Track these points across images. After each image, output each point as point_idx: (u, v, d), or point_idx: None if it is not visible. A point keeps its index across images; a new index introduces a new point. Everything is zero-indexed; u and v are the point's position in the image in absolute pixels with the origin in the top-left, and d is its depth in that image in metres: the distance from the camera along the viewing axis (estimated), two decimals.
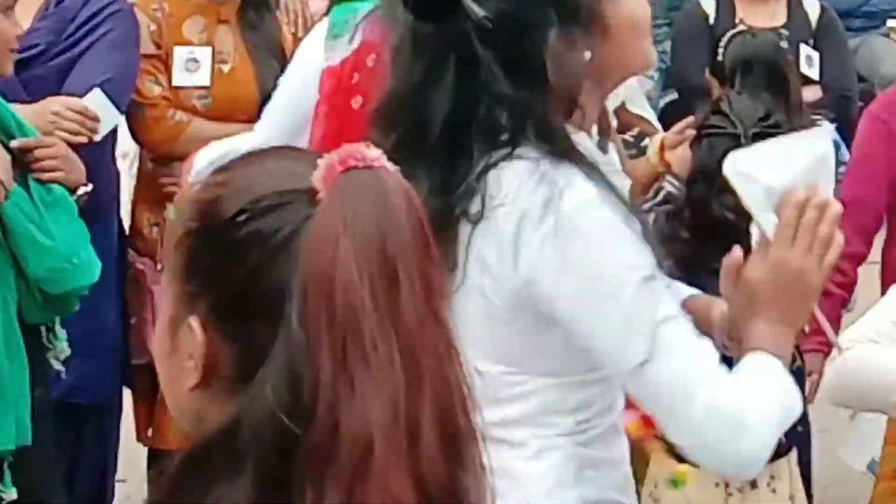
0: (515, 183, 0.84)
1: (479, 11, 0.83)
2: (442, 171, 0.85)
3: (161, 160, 2.17)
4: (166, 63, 2.12)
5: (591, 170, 0.86)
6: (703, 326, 0.94)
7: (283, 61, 1.98)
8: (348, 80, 1.35)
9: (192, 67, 2.11)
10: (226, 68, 2.14)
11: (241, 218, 0.38)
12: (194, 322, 0.39)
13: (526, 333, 0.89)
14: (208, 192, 0.42)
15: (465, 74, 0.86)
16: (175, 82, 2.13)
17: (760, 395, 0.84)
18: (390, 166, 0.38)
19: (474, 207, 0.84)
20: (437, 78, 0.86)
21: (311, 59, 1.44)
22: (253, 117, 1.77)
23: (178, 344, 0.41)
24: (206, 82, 2.13)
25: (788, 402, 0.88)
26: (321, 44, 1.40)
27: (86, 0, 2.00)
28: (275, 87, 1.60)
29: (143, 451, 2.35)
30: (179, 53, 2.11)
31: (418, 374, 0.35)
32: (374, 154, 0.38)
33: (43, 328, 1.77)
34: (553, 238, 0.83)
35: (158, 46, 2.12)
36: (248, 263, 0.38)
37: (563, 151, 0.86)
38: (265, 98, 1.75)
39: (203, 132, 2.01)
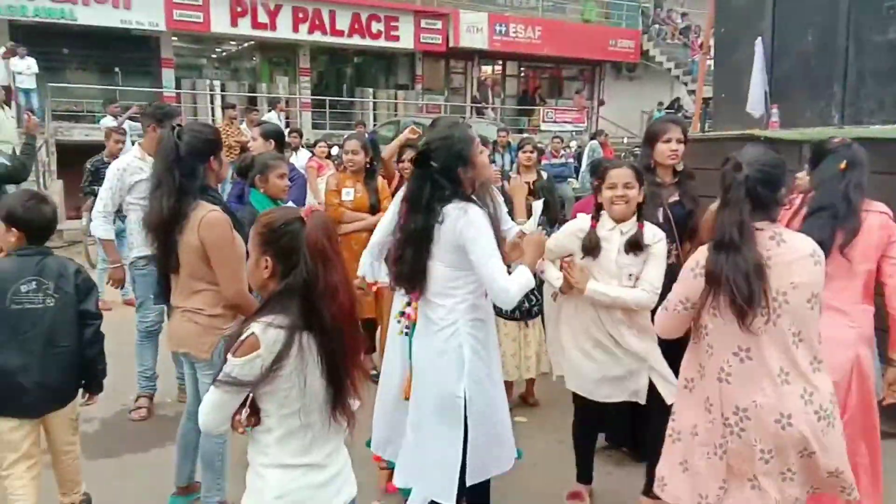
0: (454, 211, 2.36)
1: (435, 165, 2.40)
2: (426, 213, 2.40)
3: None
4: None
5: (478, 203, 2.41)
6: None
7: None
8: None
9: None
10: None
11: (282, 225, 1.70)
12: (266, 257, 1.70)
13: (460, 256, 2.37)
14: (268, 217, 1.76)
15: (433, 182, 2.40)
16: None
17: (515, 279, 2.33)
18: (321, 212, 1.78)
19: (441, 219, 2.37)
20: (422, 185, 2.42)
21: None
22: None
23: (259, 263, 1.71)
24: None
25: (525, 283, 2.36)
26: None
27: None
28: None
29: None
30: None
31: (345, 271, 1.72)
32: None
33: None
34: (466, 224, 2.33)
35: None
36: (286, 238, 1.68)
37: (468, 199, 2.40)
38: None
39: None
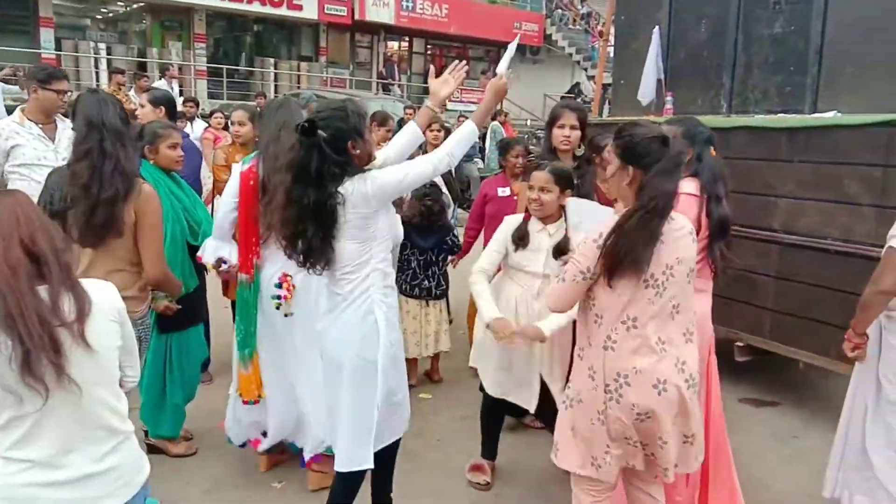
0: (354, 184, 2.26)
1: (324, 133, 2.22)
2: (317, 187, 2.24)
3: None
4: None
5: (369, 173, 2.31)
6: None
7: None
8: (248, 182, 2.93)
9: None
10: None
11: None
12: None
13: (370, 225, 2.32)
14: None
15: (320, 155, 2.23)
16: None
17: (455, 136, 2.49)
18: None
19: (342, 200, 2.25)
20: (310, 157, 2.23)
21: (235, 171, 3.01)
22: None
23: None
24: None
25: (468, 133, 2.49)
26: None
27: None
28: None
29: None
30: None
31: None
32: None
33: None
34: (373, 183, 2.26)
35: None
36: None
37: (361, 173, 2.29)
38: None
39: None
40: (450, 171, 4.43)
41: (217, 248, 3.01)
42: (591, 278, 2.13)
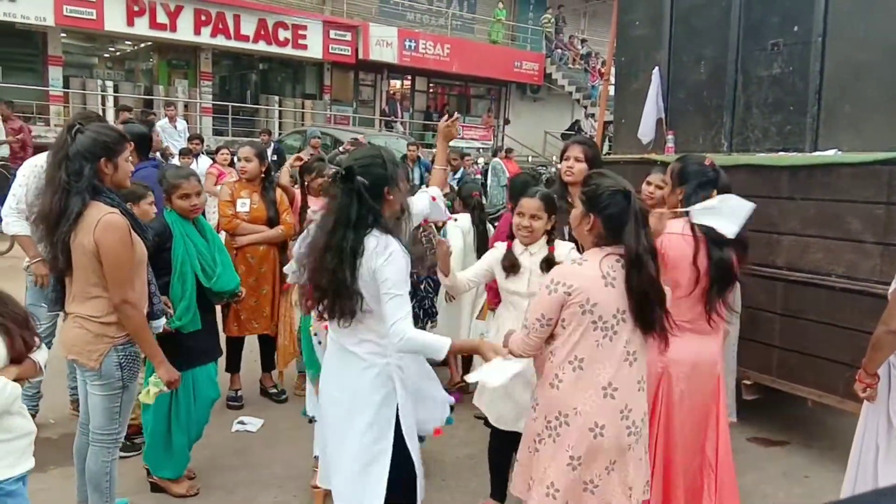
0: (373, 243, 2.26)
1: (363, 179, 2.27)
2: (355, 231, 2.27)
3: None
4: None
5: (397, 236, 2.31)
6: None
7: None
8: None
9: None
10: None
11: None
12: None
13: (375, 287, 2.26)
14: None
15: (358, 201, 2.27)
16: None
17: (423, 336, 2.31)
18: None
19: (360, 251, 2.26)
20: (349, 202, 2.28)
21: None
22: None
23: None
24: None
25: (431, 346, 2.29)
26: None
27: None
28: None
29: None
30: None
31: None
32: None
33: None
34: (385, 262, 2.24)
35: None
36: None
37: (388, 230, 2.30)
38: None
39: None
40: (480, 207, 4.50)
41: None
42: (548, 325, 2.22)
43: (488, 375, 2.31)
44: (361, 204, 2.25)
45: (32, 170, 3.68)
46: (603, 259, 2.17)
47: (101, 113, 14.34)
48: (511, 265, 2.96)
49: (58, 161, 2.47)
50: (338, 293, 2.27)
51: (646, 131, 5.17)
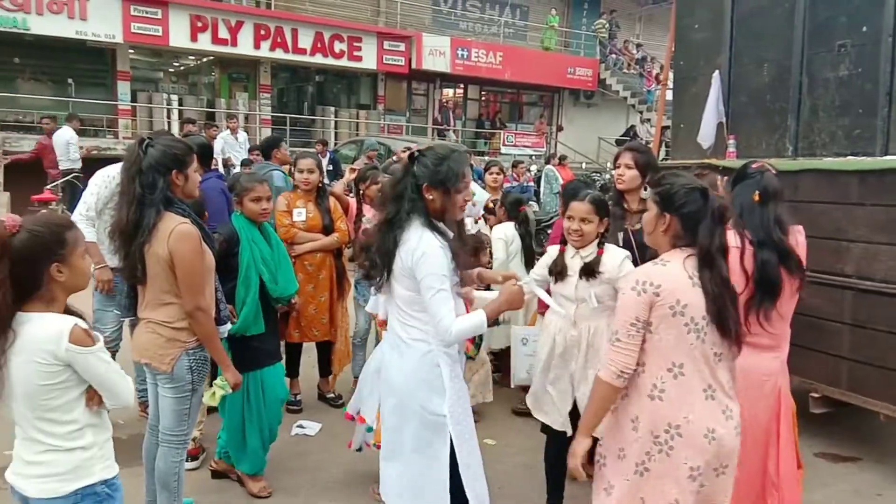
0: (412, 238, 2.32)
1: (417, 167, 2.39)
2: (397, 209, 2.38)
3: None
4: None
5: (435, 230, 2.34)
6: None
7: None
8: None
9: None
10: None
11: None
12: None
13: (413, 282, 2.32)
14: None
15: (405, 182, 2.39)
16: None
17: (460, 324, 2.29)
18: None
19: (398, 242, 2.35)
20: (403, 178, 2.42)
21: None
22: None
23: None
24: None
25: (472, 328, 2.33)
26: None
27: None
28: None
29: None
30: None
31: None
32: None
33: None
34: (420, 255, 2.28)
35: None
36: None
37: (431, 225, 2.34)
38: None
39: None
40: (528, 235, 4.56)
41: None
42: (643, 328, 2.09)
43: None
44: (405, 186, 2.36)
45: (104, 179, 3.84)
46: (686, 259, 2.09)
47: (166, 126, 14.97)
48: (559, 271, 2.94)
49: (131, 175, 2.58)
50: (380, 257, 2.38)
51: (706, 136, 5.06)
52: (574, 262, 2.94)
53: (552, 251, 3.07)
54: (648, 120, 19.04)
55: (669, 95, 6.39)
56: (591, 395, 2.25)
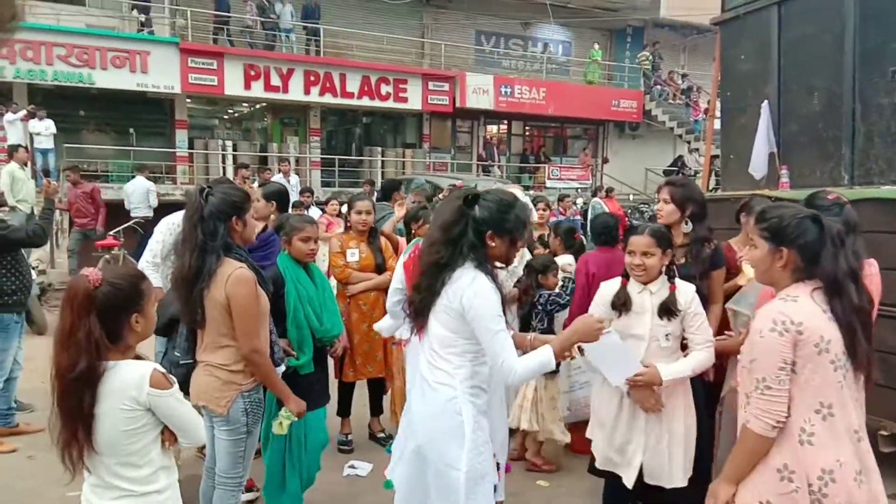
0: (462, 277, 2.27)
1: (479, 212, 2.31)
2: (452, 255, 2.31)
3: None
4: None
5: (488, 273, 2.29)
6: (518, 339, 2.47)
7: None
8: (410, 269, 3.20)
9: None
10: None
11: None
12: None
13: (459, 322, 2.27)
14: None
15: (464, 226, 2.30)
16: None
17: (526, 363, 2.23)
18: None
19: (447, 280, 2.29)
20: (458, 221, 2.31)
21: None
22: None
23: None
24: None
25: (540, 366, 2.25)
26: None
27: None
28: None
29: None
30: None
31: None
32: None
33: None
34: (472, 294, 2.22)
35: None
36: None
37: (484, 267, 2.29)
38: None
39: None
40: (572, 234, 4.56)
41: (391, 328, 3.55)
42: (791, 370, 1.94)
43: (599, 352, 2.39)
44: (464, 231, 2.28)
45: (169, 227, 4.02)
46: (813, 292, 1.98)
47: (221, 171, 15.53)
48: (623, 303, 2.85)
49: (193, 223, 2.68)
50: (424, 297, 2.33)
51: (757, 166, 4.98)
52: (642, 298, 2.85)
53: (609, 287, 2.98)
54: (696, 150, 18.78)
55: (717, 124, 6.33)
56: (737, 448, 2.07)
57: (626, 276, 2.92)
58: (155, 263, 4.02)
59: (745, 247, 3.19)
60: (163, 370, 1.99)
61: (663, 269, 2.86)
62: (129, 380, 1.92)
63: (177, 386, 2.00)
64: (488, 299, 2.21)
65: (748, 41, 5.22)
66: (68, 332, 1.90)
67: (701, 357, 2.78)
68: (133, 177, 11.96)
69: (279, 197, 4.45)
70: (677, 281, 2.87)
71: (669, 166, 19.52)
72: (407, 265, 3.39)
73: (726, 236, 3.89)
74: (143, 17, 15.19)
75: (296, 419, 2.96)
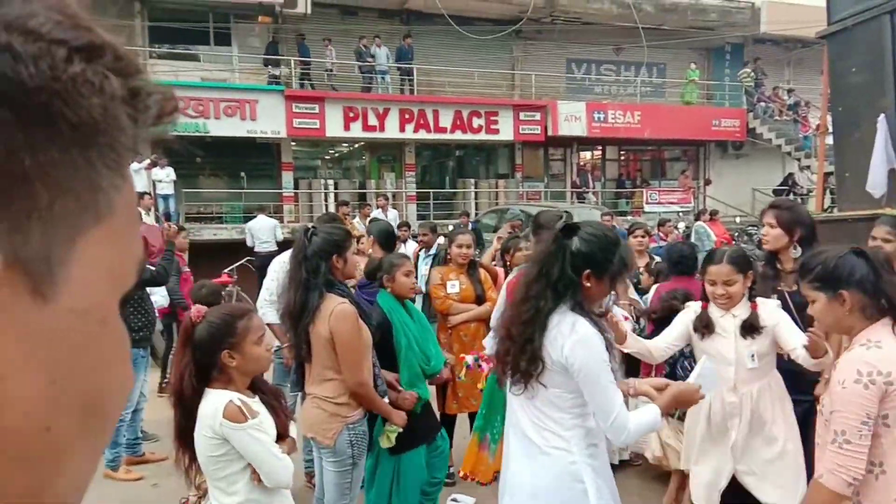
0: (561, 323, 2.08)
1: (576, 245, 2.10)
2: (554, 298, 2.11)
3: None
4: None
5: (590, 317, 2.09)
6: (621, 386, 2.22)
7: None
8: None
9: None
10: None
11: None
12: None
13: (563, 376, 2.08)
14: None
15: (561, 261, 2.10)
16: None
17: (637, 420, 2.06)
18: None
19: (545, 327, 2.10)
20: (555, 257, 2.11)
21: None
22: None
23: None
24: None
25: (649, 425, 2.11)
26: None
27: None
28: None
29: None
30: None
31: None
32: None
33: None
34: (575, 343, 2.03)
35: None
36: None
37: (582, 309, 2.09)
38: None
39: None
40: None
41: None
42: (872, 423, 1.83)
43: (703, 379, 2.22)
44: (562, 268, 2.07)
45: (281, 265, 4.25)
46: (894, 328, 1.86)
47: (323, 208, 16.24)
48: (705, 325, 2.80)
49: (298, 262, 2.85)
50: (521, 348, 2.08)
51: (876, 184, 4.66)
52: (726, 321, 2.79)
53: (685, 316, 2.93)
54: (808, 167, 17.74)
55: (829, 139, 5.98)
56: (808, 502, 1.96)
57: (705, 299, 2.87)
58: (272, 301, 4.25)
59: None
60: (240, 403, 2.05)
61: (746, 292, 2.79)
62: (210, 408, 2.05)
63: (254, 421, 2.05)
64: (593, 348, 2.01)
65: (859, 53, 4.93)
66: (174, 361, 2.10)
67: (804, 356, 2.60)
68: (253, 216, 12.96)
69: (379, 234, 4.66)
70: (760, 300, 2.79)
71: (779, 185, 18.51)
72: (511, 285, 3.42)
73: None
74: (275, 71, 16.25)
75: (401, 430, 3.05)
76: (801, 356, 2.60)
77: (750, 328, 2.71)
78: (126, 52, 0.35)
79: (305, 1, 15.92)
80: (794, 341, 2.65)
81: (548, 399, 2.11)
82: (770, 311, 2.75)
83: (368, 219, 9.76)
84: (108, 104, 0.32)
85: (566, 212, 3.65)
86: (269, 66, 16.47)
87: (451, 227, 10.00)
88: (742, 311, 2.77)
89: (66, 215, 0.31)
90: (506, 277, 4.79)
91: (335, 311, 2.75)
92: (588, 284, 2.09)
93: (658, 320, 3.92)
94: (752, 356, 2.73)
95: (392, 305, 3.53)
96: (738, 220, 17.34)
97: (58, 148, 0.30)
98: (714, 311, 2.83)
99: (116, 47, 0.34)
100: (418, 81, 17.77)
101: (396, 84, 17.82)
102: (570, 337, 2.02)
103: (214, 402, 2.06)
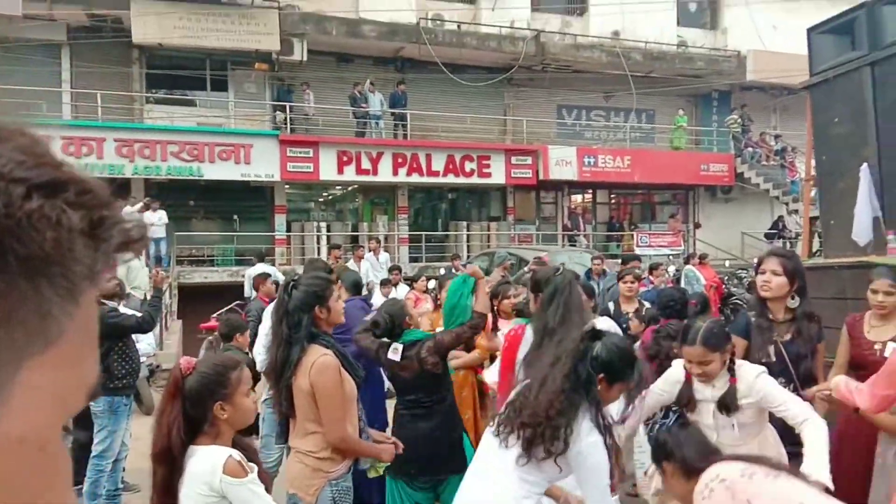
0: (581, 426, 2.19)
1: (599, 353, 2.28)
2: (589, 400, 2.25)
3: None
4: None
5: (600, 425, 2.22)
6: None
7: None
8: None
9: None
10: None
11: None
12: None
13: (552, 466, 2.22)
14: None
15: (587, 363, 2.28)
16: None
17: None
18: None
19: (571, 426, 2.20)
20: (588, 375, 2.27)
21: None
22: None
23: None
24: None
25: None
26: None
27: None
28: None
29: None
30: None
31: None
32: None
33: None
34: (587, 447, 2.17)
35: None
36: None
37: (595, 417, 2.22)
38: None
39: None
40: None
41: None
42: None
43: None
44: (590, 377, 2.24)
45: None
46: None
47: (316, 251, 16.24)
48: (688, 402, 2.76)
49: (279, 317, 2.83)
50: (553, 430, 2.18)
51: (861, 232, 4.71)
52: (706, 393, 2.76)
53: (673, 374, 2.90)
54: (796, 211, 17.93)
55: (815, 189, 6.06)
56: None
57: (689, 372, 2.82)
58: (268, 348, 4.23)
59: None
60: (239, 458, 2.02)
61: (726, 364, 2.74)
62: (205, 465, 1.98)
63: (253, 475, 2.03)
64: (601, 459, 2.19)
65: (841, 104, 5.03)
66: (160, 414, 2.03)
67: (815, 433, 2.49)
68: (247, 259, 12.83)
69: (352, 285, 4.75)
70: (739, 371, 2.72)
71: (770, 229, 18.68)
72: (510, 338, 3.41)
73: (829, 307, 3.66)
74: (283, 116, 16.43)
75: (388, 463, 3.00)
76: (789, 416, 2.58)
77: (726, 407, 2.67)
78: (95, 185, 0.36)
79: (302, 48, 16.22)
80: (795, 413, 2.60)
81: (538, 466, 2.24)
82: (750, 383, 2.68)
83: (359, 260, 9.76)
84: (64, 237, 0.33)
85: (562, 264, 3.65)
86: (277, 112, 16.66)
87: (442, 271, 10.01)
88: (721, 385, 2.71)
89: (10, 342, 0.32)
90: (494, 322, 4.76)
91: (316, 363, 2.70)
92: (600, 387, 2.27)
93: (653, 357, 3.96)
94: (734, 426, 2.69)
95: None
96: (727, 263, 17.43)
97: (4, 279, 0.31)
98: (696, 384, 2.79)
99: (83, 182, 0.35)
100: (412, 126, 18.01)
101: (390, 129, 18.05)
102: (584, 440, 2.18)
103: (210, 458, 1.99)
